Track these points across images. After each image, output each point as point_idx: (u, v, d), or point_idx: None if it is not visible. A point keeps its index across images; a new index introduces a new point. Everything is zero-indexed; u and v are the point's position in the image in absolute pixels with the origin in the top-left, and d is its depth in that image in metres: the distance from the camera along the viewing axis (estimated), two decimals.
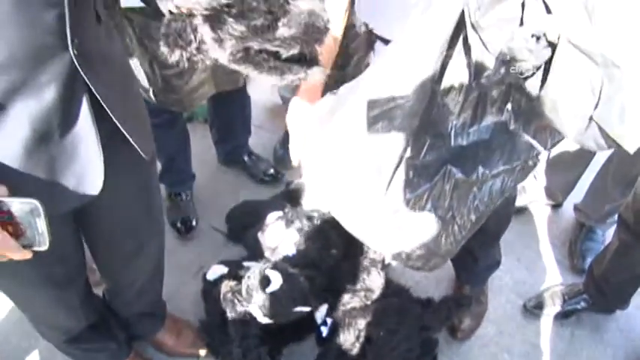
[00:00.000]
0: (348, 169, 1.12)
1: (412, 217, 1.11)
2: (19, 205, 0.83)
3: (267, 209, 2.01)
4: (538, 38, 0.83)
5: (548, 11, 0.82)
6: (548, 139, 1.12)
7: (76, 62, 0.88)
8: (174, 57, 0.86)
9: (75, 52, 0.87)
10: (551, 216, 2.31)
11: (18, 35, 0.80)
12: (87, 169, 0.96)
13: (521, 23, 0.86)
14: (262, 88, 2.52)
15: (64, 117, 0.90)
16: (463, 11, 0.92)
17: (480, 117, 1.07)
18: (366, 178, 1.09)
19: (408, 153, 1.06)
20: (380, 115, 1.02)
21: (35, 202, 0.83)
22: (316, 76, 0.84)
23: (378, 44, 1.39)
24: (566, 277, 2.06)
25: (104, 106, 0.95)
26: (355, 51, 1.60)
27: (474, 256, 1.75)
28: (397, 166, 1.05)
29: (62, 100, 0.88)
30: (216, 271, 1.85)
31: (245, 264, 1.81)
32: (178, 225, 2.15)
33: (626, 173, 1.88)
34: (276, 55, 0.81)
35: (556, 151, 2.15)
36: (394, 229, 1.15)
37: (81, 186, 0.97)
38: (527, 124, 1.07)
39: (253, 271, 1.57)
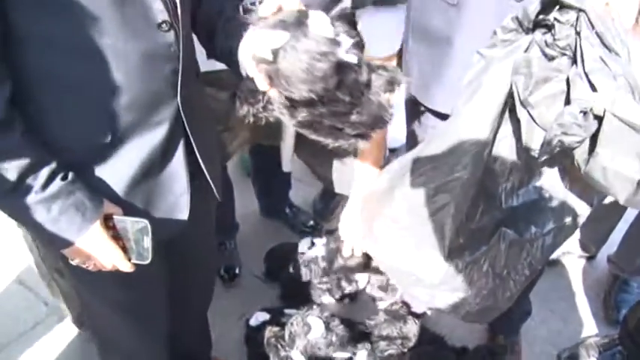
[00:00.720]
0: (410, 238, 1.20)
1: (471, 277, 1.18)
2: (131, 224, 0.99)
3: None
4: (585, 113, 0.91)
5: (594, 89, 0.90)
6: (594, 197, 1.19)
7: (180, 109, 1.03)
8: (242, 111, 1.00)
9: (181, 99, 1.03)
10: (586, 268, 2.34)
11: (141, 83, 0.96)
12: (177, 202, 1.11)
13: (568, 100, 0.94)
14: None
15: (164, 155, 1.05)
16: (510, 88, 1.01)
17: (528, 179, 1.15)
18: (426, 247, 1.16)
19: (464, 218, 1.14)
20: (440, 187, 1.11)
21: (145, 222, 0.98)
22: (365, 145, 0.96)
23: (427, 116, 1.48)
24: (602, 329, 2.08)
25: (195, 149, 1.10)
26: None
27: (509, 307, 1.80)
28: (456, 233, 1.13)
29: (166, 140, 1.03)
30: (258, 317, 1.94)
31: (286, 311, 1.90)
32: (222, 273, 2.25)
33: None
34: (338, 128, 0.93)
35: None
36: (453, 291, 1.22)
37: (171, 217, 1.11)
38: (573, 183, 1.15)
39: (296, 317, 1.66)
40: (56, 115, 0.94)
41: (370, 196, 1.32)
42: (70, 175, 0.94)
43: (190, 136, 1.08)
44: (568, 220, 1.17)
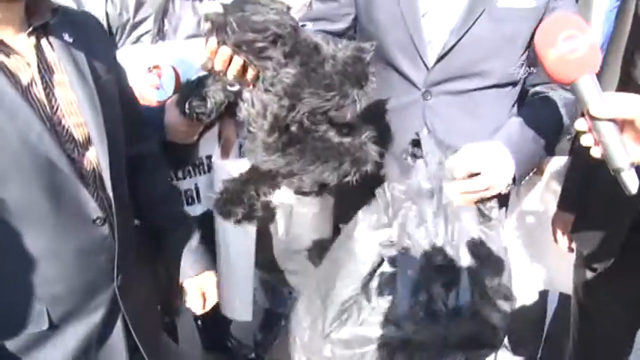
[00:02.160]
0: None
1: None
2: None
3: None
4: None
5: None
6: None
7: (117, 293, 1.07)
8: (233, 213, 1.10)
9: (118, 284, 1.06)
10: None
11: (76, 275, 1.00)
12: None
13: None
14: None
15: (102, 335, 1.07)
16: None
17: None
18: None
19: None
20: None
21: None
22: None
23: None
24: None
25: (130, 327, 1.12)
26: None
27: None
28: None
29: (103, 322, 1.06)
30: None
31: None
32: None
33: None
34: (329, 121, 0.95)
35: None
36: None
37: None
38: None
39: None
40: None
41: None
42: None
43: (127, 317, 1.10)
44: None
